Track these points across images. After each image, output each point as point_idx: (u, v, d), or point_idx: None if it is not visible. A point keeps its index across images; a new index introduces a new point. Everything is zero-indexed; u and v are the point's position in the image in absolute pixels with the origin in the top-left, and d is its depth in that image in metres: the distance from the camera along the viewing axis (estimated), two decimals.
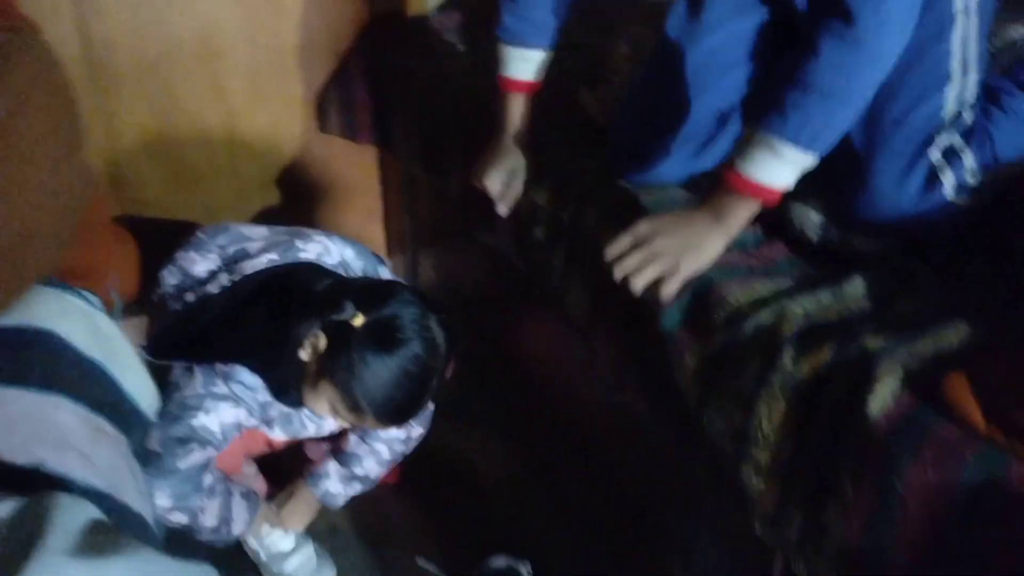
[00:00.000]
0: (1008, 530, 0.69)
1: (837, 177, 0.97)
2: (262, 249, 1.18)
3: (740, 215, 0.97)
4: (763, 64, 1.06)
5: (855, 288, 0.90)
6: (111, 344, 0.83)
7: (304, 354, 1.08)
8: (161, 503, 1.03)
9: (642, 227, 1.00)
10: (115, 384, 0.80)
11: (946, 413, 0.75)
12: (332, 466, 1.29)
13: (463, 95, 1.43)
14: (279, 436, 1.22)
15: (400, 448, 1.32)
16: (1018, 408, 0.72)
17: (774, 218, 1.01)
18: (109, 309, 0.90)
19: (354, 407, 1.07)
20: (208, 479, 1.11)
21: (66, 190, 0.77)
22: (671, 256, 0.96)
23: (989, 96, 1.00)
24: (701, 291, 0.93)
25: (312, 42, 1.65)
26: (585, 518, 1.44)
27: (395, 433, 1.29)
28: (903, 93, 0.93)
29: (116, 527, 0.61)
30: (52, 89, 0.78)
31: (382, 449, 1.29)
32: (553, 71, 1.48)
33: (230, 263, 1.18)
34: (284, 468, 1.37)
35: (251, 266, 1.15)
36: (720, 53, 1.05)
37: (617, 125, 1.18)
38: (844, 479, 0.80)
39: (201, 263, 1.19)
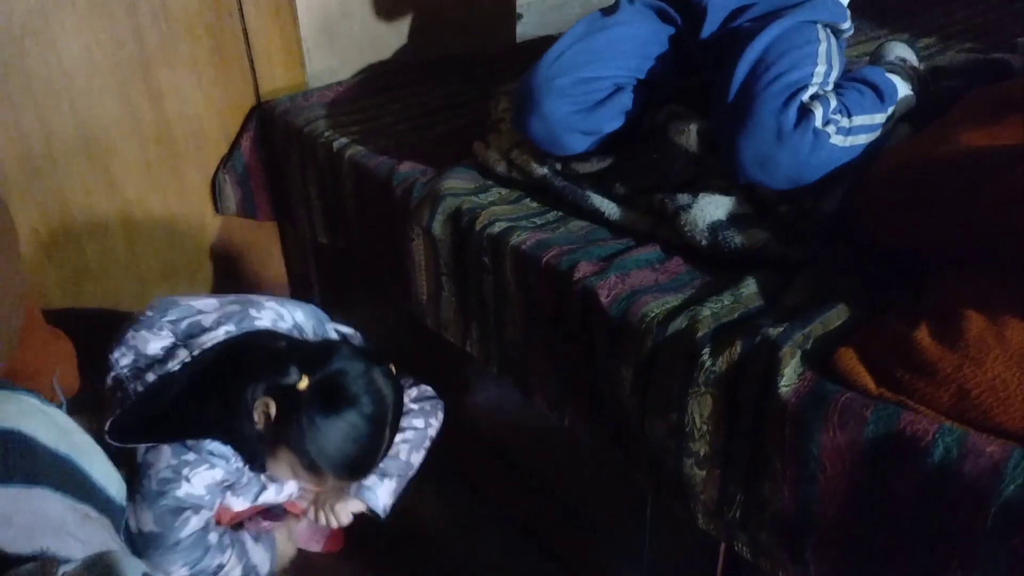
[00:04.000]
0: (906, 469, 0.82)
1: (727, 125, 1.13)
2: (217, 321, 1.20)
3: None
4: (660, 61, 1.28)
5: (750, 288, 1.03)
6: (71, 437, 0.84)
7: (258, 421, 1.11)
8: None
9: None
10: (86, 475, 0.81)
11: (842, 382, 0.87)
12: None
13: (354, 163, 1.49)
14: (241, 505, 1.22)
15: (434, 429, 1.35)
16: (900, 368, 0.86)
17: (672, 236, 1.14)
18: (56, 405, 0.91)
19: (311, 468, 1.11)
20: (213, 537, 1.11)
21: (13, 295, 0.78)
22: None
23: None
24: (624, 309, 1.03)
25: (199, 127, 1.68)
26: (533, 544, 1.50)
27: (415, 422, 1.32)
28: (779, 65, 1.12)
29: None
30: None
31: (409, 434, 1.30)
32: (445, 128, 1.59)
33: (186, 338, 1.18)
34: None
35: (210, 339, 1.16)
36: (626, 41, 1.27)
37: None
38: (771, 454, 0.91)
39: (154, 341, 1.18)
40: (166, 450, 1.09)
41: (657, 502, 1.17)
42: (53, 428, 0.82)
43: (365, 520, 1.46)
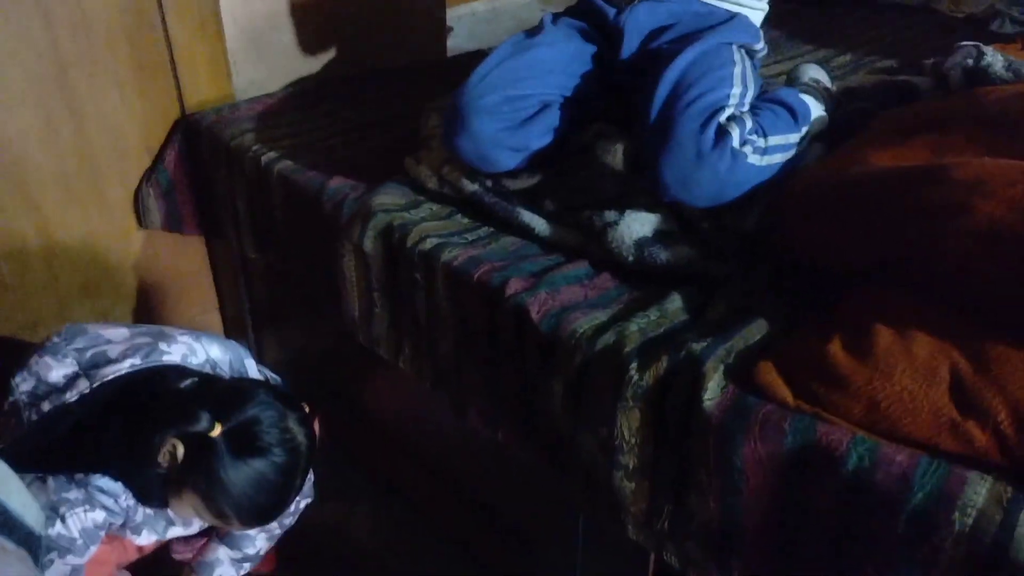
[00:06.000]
0: (823, 479, 0.85)
1: (649, 145, 1.16)
2: (123, 353, 1.16)
3: None
4: (585, 79, 1.31)
5: (675, 303, 1.06)
6: None
7: (163, 461, 1.07)
8: None
9: None
10: (3, 505, 0.78)
11: (763, 395, 0.91)
12: (223, 551, 1.27)
13: (283, 178, 1.48)
14: (147, 540, 1.19)
15: (289, 520, 1.33)
16: (815, 381, 0.89)
17: (600, 252, 1.17)
18: None
19: (218, 514, 1.08)
20: None
21: None
22: None
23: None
24: (554, 325, 1.05)
25: (121, 140, 1.64)
26: (467, 559, 1.51)
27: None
28: (697, 87, 1.16)
29: None
30: None
31: (272, 525, 1.29)
32: (376, 142, 1.59)
33: (89, 368, 1.15)
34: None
35: (112, 371, 1.13)
36: (551, 60, 1.30)
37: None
38: (697, 466, 0.94)
39: (57, 368, 1.15)
40: (49, 484, 1.06)
41: (589, 515, 1.19)
42: None
43: (298, 539, 1.45)
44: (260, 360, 1.85)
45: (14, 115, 1.50)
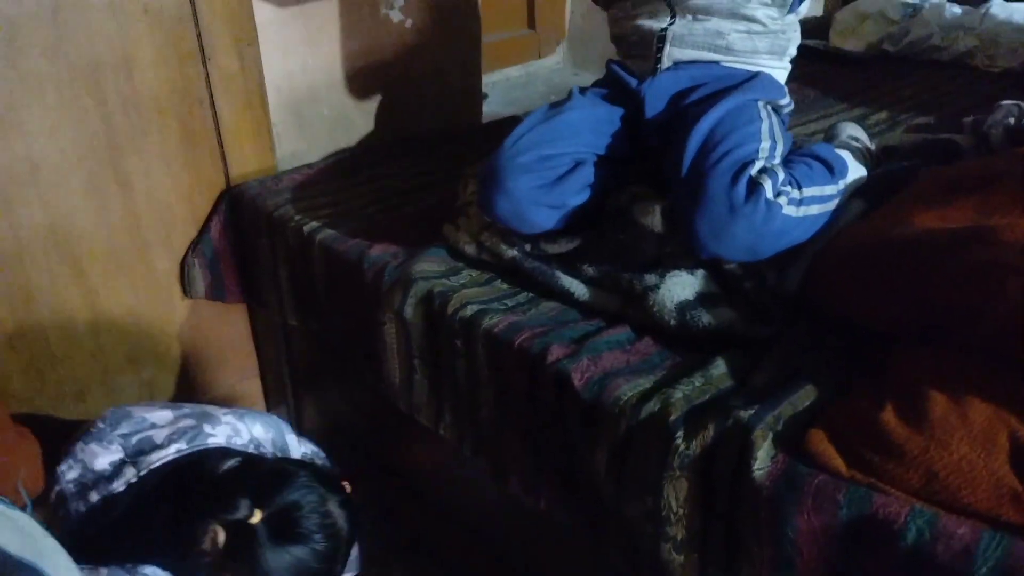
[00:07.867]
0: (881, 552, 0.83)
1: (682, 201, 1.18)
2: (169, 438, 1.16)
3: None
4: (616, 138, 1.36)
5: (719, 369, 1.05)
6: (37, 543, 0.82)
7: (206, 548, 1.06)
8: None
9: None
10: None
11: (815, 464, 0.88)
12: None
13: (324, 247, 1.50)
14: None
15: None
16: (869, 450, 0.87)
17: (641, 316, 1.16)
18: (20, 507, 0.89)
19: None
20: None
21: None
22: None
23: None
24: (597, 392, 1.04)
25: (168, 212, 1.68)
26: None
27: None
28: (725, 143, 1.18)
29: None
30: None
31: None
32: (414, 208, 1.61)
33: (135, 455, 1.15)
34: None
35: (158, 458, 1.13)
36: (581, 121, 1.34)
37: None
38: (748, 538, 0.91)
39: (103, 456, 1.15)
40: (102, 572, 1.05)
41: None
42: (18, 534, 0.80)
43: None
44: (300, 427, 1.86)
45: (68, 192, 1.54)
